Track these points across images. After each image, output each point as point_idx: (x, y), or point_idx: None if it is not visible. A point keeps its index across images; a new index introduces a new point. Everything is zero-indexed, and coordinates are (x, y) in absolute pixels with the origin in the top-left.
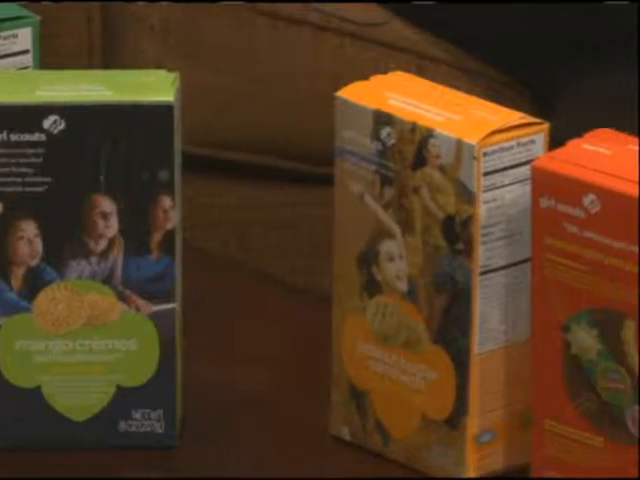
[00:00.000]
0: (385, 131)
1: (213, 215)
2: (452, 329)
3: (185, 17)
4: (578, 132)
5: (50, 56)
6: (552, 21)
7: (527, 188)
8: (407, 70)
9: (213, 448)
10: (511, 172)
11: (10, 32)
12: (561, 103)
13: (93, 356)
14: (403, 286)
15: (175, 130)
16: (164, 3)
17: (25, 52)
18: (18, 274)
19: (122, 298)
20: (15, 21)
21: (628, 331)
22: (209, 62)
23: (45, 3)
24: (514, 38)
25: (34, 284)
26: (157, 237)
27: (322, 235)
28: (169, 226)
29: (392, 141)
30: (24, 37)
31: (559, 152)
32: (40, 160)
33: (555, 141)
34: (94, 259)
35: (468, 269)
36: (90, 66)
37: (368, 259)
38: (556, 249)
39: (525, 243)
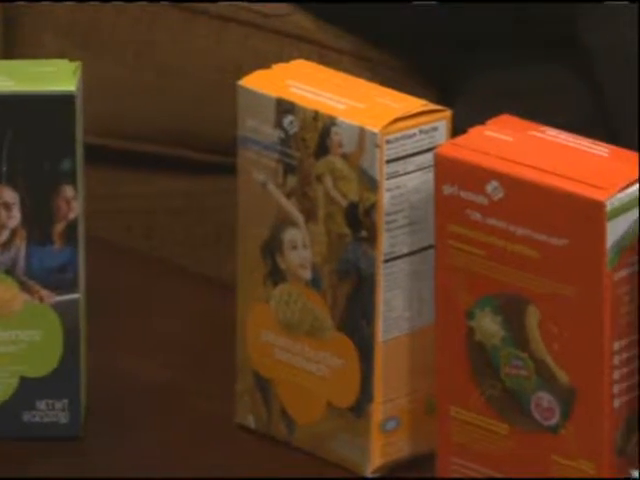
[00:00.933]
0: (288, 119)
1: (117, 205)
2: (356, 317)
3: (88, 8)
4: (480, 120)
5: None
6: (454, 11)
7: (430, 175)
8: (310, 60)
9: (118, 438)
10: (414, 159)
11: None
12: (463, 92)
13: None
14: (307, 274)
15: (77, 120)
16: None
17: None
18: None
19: (25, 288)
20: None
21: (531, 317)
22: (112, 54)
23: None
24: (416, 28)
25: None
26: (60, 227)
27: (228, 224)
28: (72, 216)
29: (295, 129)
30: None
31: (461, 139)
32: None
33: (457, 129)
34: None
35: (372, 256)
36: None
37: (272, 248)
38: (459, 236)
39: (428, 230)
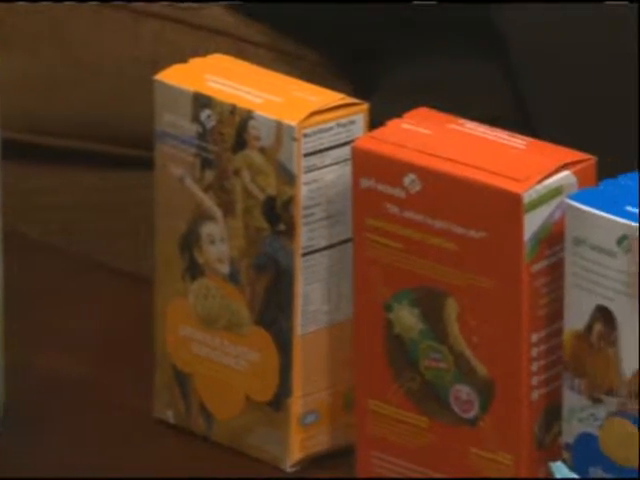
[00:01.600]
0: (205, 113)
1: (35, 201)
2: (274, 310)
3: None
4: (398, 113)
5: None
6: (371, 5)
7: (348, 169)
8: (227, 54)
9: (37, 434)
10: (331, 153)
11: None
12: (380, 85)
13: None
14: (225, 268)
15: None
16: None
17: None
18: None
19: None
20: None
21: (449, 310)
22: (27, 48)
23: None
24: (333, 21)
25: None
26: None
27: (146, 219)
28: None
29: (212, 123)
30: None
31: (379, 132)
32: None
33: (375, 122)
34: None
35: (290, 250)
36: None
37: (189, 242)
38: (377, 229)
39: (346, 223)
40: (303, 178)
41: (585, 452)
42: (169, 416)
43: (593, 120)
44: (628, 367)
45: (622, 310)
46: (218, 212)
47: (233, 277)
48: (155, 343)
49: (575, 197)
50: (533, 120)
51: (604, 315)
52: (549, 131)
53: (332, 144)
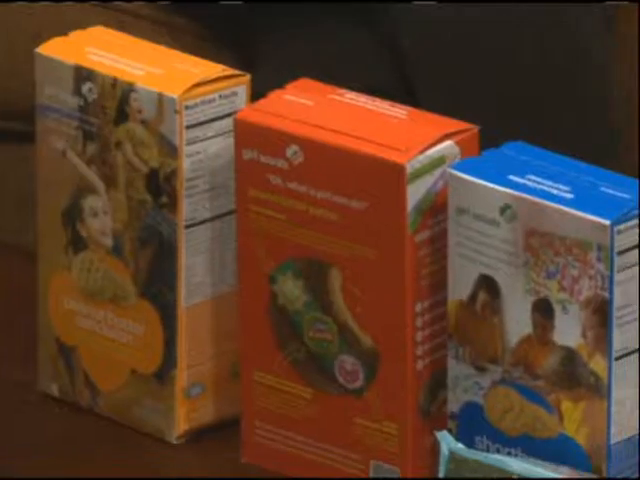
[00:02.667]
0: (86, 86)
1: None
2: (158, 283)
3: None
4: (279, 84)
5: None
6: None
7: (230, 140)
8: (109, 27)
9: None
10: (214, 125)
11: None
12: (262, 56)
13: None
14: (108, 241)
15: None
16: None
17: None
18: None
19: None
20: None
21: (334, 281)
22: None
23: None
24: None
25: None
26: None
27: (28, 192)
28: None
29: (94, 96)
30: None
31: (261, 104)
32: None
33: (257, 94)
34: None
35: (173, 222)
36: None
37: (72, 215)
38: (260, 200)
39: (230, 195)
40: (185, 150)
41: (470, 421)
42: (53, 389)
43: (476, 90)
44: (512, 336)
45: (506, 279)
46: (101, 185)
47: (116, 250)
48: (39, 316)
49: (458, 167)
50: (416, 90)
51: (488, 284)
52: (432, 101)
53: (214, 116)
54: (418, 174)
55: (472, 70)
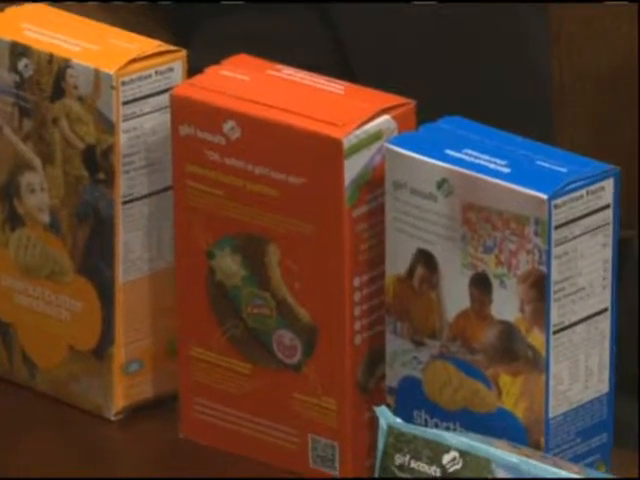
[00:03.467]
0: (22, 63)
1: None
2: (96, 259)
3: None
4: (216, 60)
5: None
6: None
7: (167, 116)
8: (44, 2)
9: None
10: (150, 100)
11: None
12: (199, 32)
13: None
14: (45, 218)
15: None
16: None
17: None
18: None
19: None
20: None
21: (271, 256)
22: None
23: None
24: None
25: None
26: None
27: None
28: None
29: (30, 72)
30: None
31: (198, 79)
32: None
33: (194, 70)
34: None
35: (110, 199)
36: None
37: (9, 192)
38: (197, 176)
39: (167, 171)
40: (122, 126)
41: (409, 396)
42: None
43: (412, 65)
44: (450, 310)
45: (443, 253)
46: (37, 161)
47: (54, 226)
48: None
49: (395, 141)
50: (353, 66)
51: (425, 259)
52: (369, 76)
53: (151, 92)
54: (355, 149)
55: (409, 45)
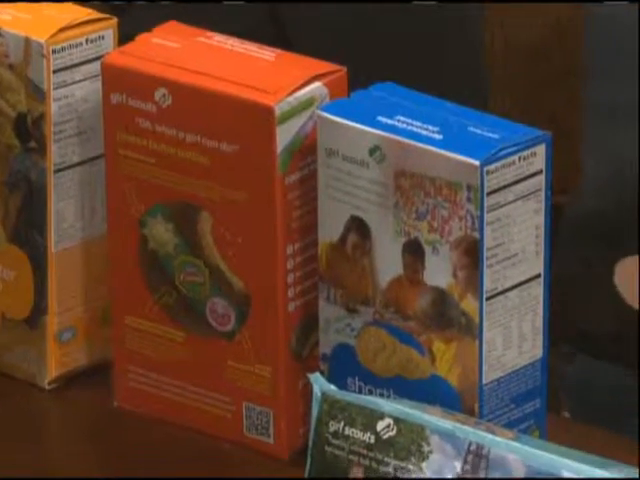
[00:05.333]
0: None
1: None
2: (28, 228)
3: None
4: (147, 27)
5: None
6: None
7: (98, 84)
8: None
9: None
10: (81, 69)
11: None
12: (133, 3)
13: None
14: None
15: None
16: None
17: None
18: None
19: None
20: None
21: (204, 224)
22: None
23: None
24: None
25: None
26: None
27: None
28: None
29: None
30: None
31: (128, 47)
32: None
33: (125, 37)
34: None
35: (42, 167)
36: None
37: None
38: (129, 144)
39: (98, 139)
40: (53, 94)
41: (342, 363)
42: None
43: (345, 32)
44: (383, 277)
45: (375, 220)
46: None
47: None
48: None
49: (326, 108)
50: (286, 33)
51: (358, 225)
52: (302, 44)
53: (82, 60)
54: (287, 116)
55: (341, 12)
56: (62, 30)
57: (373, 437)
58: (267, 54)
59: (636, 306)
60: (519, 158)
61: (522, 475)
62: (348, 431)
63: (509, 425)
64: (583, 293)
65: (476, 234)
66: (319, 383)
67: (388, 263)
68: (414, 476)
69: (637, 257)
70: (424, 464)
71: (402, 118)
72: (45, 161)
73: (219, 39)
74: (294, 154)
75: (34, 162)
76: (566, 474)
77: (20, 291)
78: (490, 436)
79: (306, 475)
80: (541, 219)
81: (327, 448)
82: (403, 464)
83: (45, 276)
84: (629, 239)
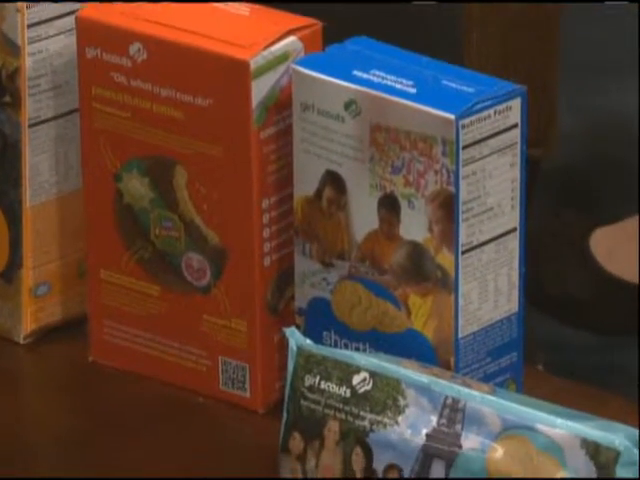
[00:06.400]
0: None
1: None
2: (3, 183)
3: None
4: None
5: None
6: None
7: (73, 38)
8: None
9: None
10: (56, 23)
11: None
12: None
13: None
14: None
15: None
16: None
17: None
18: None
19: None
20: None
21: (179, 178)
22: None
23: None
24: None
25: None
26: None
27: None
28: None
29: None
30: None
31: (103, 2)
32: None
33: None
34: None
35: (16, 122)
36: None
37: None
38: (104, 99)
39: (73, 94)
40: (28, 49)
41: (318, 317)
42: None
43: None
44: (358, 231)
45: (351, 174)
46: None
47: None
48: None
49: (301, 62)
50: None
51: (333, 180)
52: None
53: (56, 14)
54: (262, 70)
55: None
56: None
57: (349, 391)
58: (242, 8)
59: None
60: (494, 112)
61: (498, 428)
62: (324, 385)
63: (485, 379)
64: (554, 252)
65: (451, 188)
66: (295, 337)
67: (364, 217)
68: (390, 430)
69: (610, 227)
70: (400, 418)
71: (377, 72)
72: (20, 116)
73: None
74: (269, 108)
75: (8, 117)
76: (541, 427)
77: None
78: (466, 390)
79: (282, 429)
80: (517, 173)
81: (303, 402)
82: (379, 418)
83: (20, 231)
84: (602, 193)
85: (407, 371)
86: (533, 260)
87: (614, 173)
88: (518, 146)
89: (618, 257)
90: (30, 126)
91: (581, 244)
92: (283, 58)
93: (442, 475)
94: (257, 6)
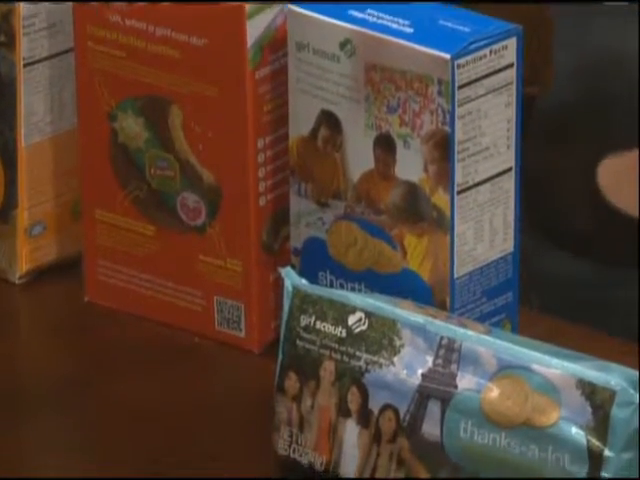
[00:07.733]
0: None
1: None
2: None
3: None
4: None
5: None
6: None
7: None
8: None
9: None
10: None
11: None
12: None
13: None
14: None
15: None
16: None
17: None
18: None
19: None
20: None
21: (174, 117)
22: None
23: None
24: None
25: None
26: None
27: None
28: None
29: None
30: None
31: None
32: None
33: None
34: None
35: (11, 61)
36: None
37: None
38: (99, 38)
39: (68, 33)
40: None
41: (313, 256)
42: None
43: None
44: (354, 171)
45: (347, 114)
46: None
47: None
48: None
49: (297, 2)
50: None
51: (329, 119)
52: None
53: None
54: (257, 10)
55: None
56: None
57: (344, 331)
58: None
59: (621, 206)
60: (490, 51)
61: (494, 368)
62: (319, 325)
63: (481, 318)
64: (553, 186)
65: (447, 128)
66: (290, 277)
67: (359, 157)
68: (386, 370)
69: (619, 156)
70: (396, 358)
71: (373, 12)
72: (14, 55)
73: None
74: (264, 48)
75: (3, 56)
76: (537, 367)
77: None
78: (462, 330)
79: (277, 369)
80: (512, 113)
81: (298, 342)
82: (375, 358)
83: (15, 170)
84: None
85: (403, 311)
86: (543, 196)
87: (613, 108)
88: (514, 86)
89: (624, 189)
90: (25, 65)
91: (586, 177)
92: None
93: (437, 414)
94: None
